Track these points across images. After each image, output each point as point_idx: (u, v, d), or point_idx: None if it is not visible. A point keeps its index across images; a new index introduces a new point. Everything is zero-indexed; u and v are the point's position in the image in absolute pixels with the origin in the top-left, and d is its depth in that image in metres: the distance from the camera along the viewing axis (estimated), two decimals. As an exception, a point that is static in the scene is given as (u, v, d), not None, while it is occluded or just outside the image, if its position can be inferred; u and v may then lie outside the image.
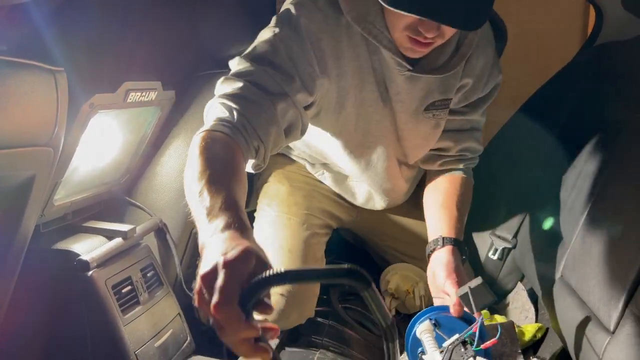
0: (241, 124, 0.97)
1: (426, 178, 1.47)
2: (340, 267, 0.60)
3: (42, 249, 1.17)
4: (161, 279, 1.34)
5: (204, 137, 0.91)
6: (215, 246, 0.65)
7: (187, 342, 1.33)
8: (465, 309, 1.04)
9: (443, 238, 1.22)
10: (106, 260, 1.19)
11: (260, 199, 1.56)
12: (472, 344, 0.93)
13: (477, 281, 1.04)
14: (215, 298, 0.58)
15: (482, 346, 0.92)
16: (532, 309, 1.44)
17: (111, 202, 1.40)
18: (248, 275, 0.61)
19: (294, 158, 1.58)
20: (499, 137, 1.81)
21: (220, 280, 0.59)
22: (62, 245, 1.18)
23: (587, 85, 1.54)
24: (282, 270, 0.58)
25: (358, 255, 1.84)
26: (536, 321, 1.40)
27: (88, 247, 1.19)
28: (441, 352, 0.91)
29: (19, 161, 0.87)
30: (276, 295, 1.33)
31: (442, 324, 1.04)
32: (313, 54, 1.11)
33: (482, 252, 1.68)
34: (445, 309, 1.09)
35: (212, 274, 0.60)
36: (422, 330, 1.02)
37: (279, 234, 1.43)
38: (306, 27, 1.10)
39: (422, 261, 1.62)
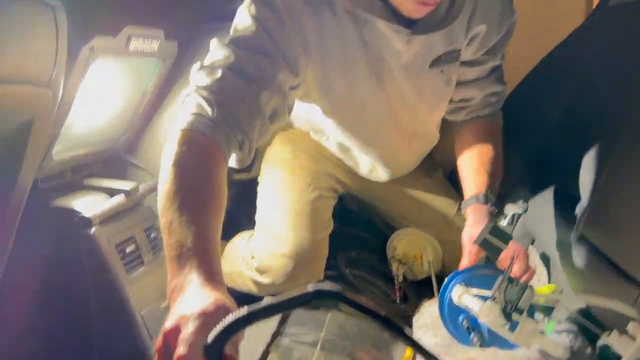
0: (222, 118, 0.88)
1: (455, 133, 1.41)
2: (306, 291, 0.53)
3: (41, 206, 1.11)
4: (165, 240, 1.28)
5: (180, 142, 0.82)
6: (186, 298, 0.59)
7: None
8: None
9: (471, 197, 1.19)
10: (109, 218, 1.14)
11: (264, 163, 1.51)
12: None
13: (490, 225, 1.02)
14: (179, 351, 0.52)
15: (522, 279, 0.89)
16: (545, 272, 1.41)
17: (111, 162, 1.34)
18: None
19: (296, 126, 1.53)
20: (507, 101, 1.77)
21: (185, 332, 0.53)
22: (63, 202, 1.13)
23: (601, 47, 1.50)
24: (246, 310, 0.51)
25: (363, 222, 1.81)
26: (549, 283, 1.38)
27: (89, 204, 1.13)
28: (493, 299, 0.87)
29: (17, 102, 0.82)
30: (284, 257, 1.29)
31: (472, 286, 1.00)
32: (294, 32, 1.01)
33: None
34: (466, 270, 1.05)
35: (178, 329, 0.55)
36: (459, 294, 0.98)
37: (284, 196, 1.38)
38: (284, 4, 0.99)
39: (430, 227, 1.59)
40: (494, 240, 1.01)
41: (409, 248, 1.59)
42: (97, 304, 1.11)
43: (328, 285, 0.53)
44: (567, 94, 1.52)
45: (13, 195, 0.95)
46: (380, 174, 1.48)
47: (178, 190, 0.73)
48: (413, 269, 1.60)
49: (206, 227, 0.70)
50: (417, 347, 0.60)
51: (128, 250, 1.15)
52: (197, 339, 0.52)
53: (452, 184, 1.68)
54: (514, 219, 1.71)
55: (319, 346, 1.12)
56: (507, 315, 0.87)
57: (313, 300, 0.54)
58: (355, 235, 1.78)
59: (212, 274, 0.64)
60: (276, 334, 1.14)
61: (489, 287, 0.95)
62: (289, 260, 1.26)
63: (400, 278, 1.58)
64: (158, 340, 0.56)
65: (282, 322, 1.19)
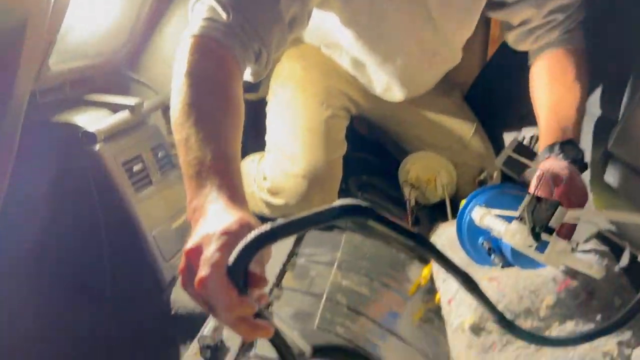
0: (238, 24, 0.80)
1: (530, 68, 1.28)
2: (336, 205, 0.51)
3: (41, 122, 1.04)
4: (173, 160, 1.23)
5: (192, 50, 0.75)
6: (208, 218, 0.55)
7: (203, 226, 1.26)
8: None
9: (542, 152, 1.01)
10: (114, 135, 1.08)
11: (273, 81, 1.43)
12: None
13: (513, 143, 0.95)
14: (201, 271, 0.49)
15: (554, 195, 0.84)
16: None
17: (112, 77, 1.26)
18: None
19: (307, 41, 1.44)
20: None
21: (208, 252, 0.50)
22: (64, 117, 1.06)
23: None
24: (269, 226, 0.48)
25: (373, 147, 1.76)
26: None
27: (92, 120, 1.07)
28: (520, 219, 0.82)
29: (9, 0, 0.73)
30: (297, 177, 1.24)
31: (493, 207, 0.95)
32: None
33: (508, 138, 1.60)
34: (488, 190, 0.99)
35: (200, 248, 0.51)
36: (481, 215, 0.92)
37: (296, 114, 1.32)
38: None
39: (446, 150, 1.54)
40: (519, 157, 0.94)
41: (423, 172, 1.55)
42: (107, 224, 1.07)
43: (358, 202, 0.50)
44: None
45: (10, 105, 0.89)
46: (395, 93, 1.41)
47: (194, 104, 0.67)
48: (426, 193, 1.57)
49: (226, 144, 0.65)
50: (448, 264, 0.58)
51: (135, 169, 1.10)
52: (219, 259, 0.49)
53: (470, 106, 1.62)
54: (533, 141, 1.65)
55: (335, 265, 1.09)
56: (536, 236, 0.82)
57: (342, 216, 0.51)
58: (366, 160, 1.73)
59: (234, 193, 0.59)
60: (292, 254, 1.11)
61: (513, 208, 0.90)
62: (302, 181, 1.21)
63: (413, 202, 1.55)
64: (181, 262, 0.53)
65: (298, 242, 1.16)
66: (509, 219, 0.87)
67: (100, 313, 1.13)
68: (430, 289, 1.13)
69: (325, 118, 1.31)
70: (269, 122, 1.37)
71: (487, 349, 0.86)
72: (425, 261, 1.20)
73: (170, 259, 1.13)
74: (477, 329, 0.89)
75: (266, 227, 0.47)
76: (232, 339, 0.79)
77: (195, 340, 0.78)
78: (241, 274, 0.48)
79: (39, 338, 1.15)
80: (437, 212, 1.51)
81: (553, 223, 0.80)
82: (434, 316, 1.07)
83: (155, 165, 1.16)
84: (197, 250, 0.51)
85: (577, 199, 0.88)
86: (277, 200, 1.27)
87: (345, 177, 1.48)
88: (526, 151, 0.96)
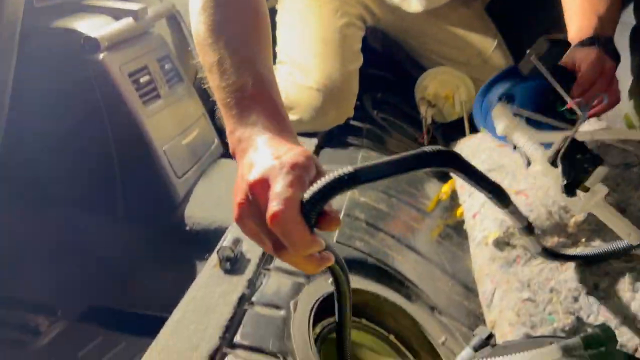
0: None
1: None
2: (428, 150, 0.47)
3: (40, 28, 0.98)
4: (180, 73, 1.17)
5: None
6: (260, 149, 0.50)
7: (214, 144, 1.22)
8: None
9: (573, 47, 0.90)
10: (117, 43, 1.01)
11: (283, -11, 1.33)
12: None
13: (542, 42, 0.84)
14: (274, 206, 0.44)
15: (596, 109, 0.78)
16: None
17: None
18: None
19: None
20: None
21: (278, 186, 0.45)
22: (64, 23, 0.99)
23: None
24: (352, 168, 0.44)
25: (388, 63, 1.68)
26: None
27: (94, 26, 1.00)
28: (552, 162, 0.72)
29: None
30: (312, 90, 1.18)
31: (516, 102, 0.87)
32: None
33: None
34: (511, 77, 0.89)
35: (266, 181, 0.46)
36: (505, 125, 0.84)
37: (309, 24, 1.24)
38: None
39: (465, 65, 1.47)
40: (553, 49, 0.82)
41: (440, 88, 1.48)
42: (116, 139, 1.03)
43: (444, 149, 0.48)
44: None
45: (5, 8, 0.82)
46: (414, 3, 1.32)
47: (223, 22, 0.59)
48: (443, 110, 1.51)
49: (264, 66, 0.58)
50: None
51: (142, 80, 1.04)
52: (293, 194, 0.44)
53: (491, 17, 1.52)
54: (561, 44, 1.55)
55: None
56: (568, 188, 0.74)
57: (429, 160, 0.47)
58: (381, 77, 1.66)
59: (281, 121, 0.54)
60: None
61: (538, 106, 0.83)
62: (317, 94, 1.15)
63: (429, 120, 1.50)
64: (239, 194, 0.48)
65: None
66: (547, 147, 0.77)
67: (113, 231, 1.12)
68: (450, 206, 1.11)
69: (340, 27, 1.23)
70: (280, 33, 1.29)
71: (511, 263, 0.85)
72: (444, 178, 1.17)
73: (182, 175, 1.10)
74: (501, 243, 0.87)
75: (349, 169, 0.44)
76: (252, 251, 0.78)
77: (215, 252, 0.76)
78: (317, 212, 0.44)
79: (52, 256, 1.15)
80: (453, 131, 1.47)
81: (591, 183, 0.72)
82: (453, 232, 1.05)
83: (162, 78, 1.10)
84: (262, 183, 0.46)
85: (615, 99, 0.83)
86: (291, 116, 1.21)
87: (360, 95, 1.42)
88: (558, 48, 0.85)
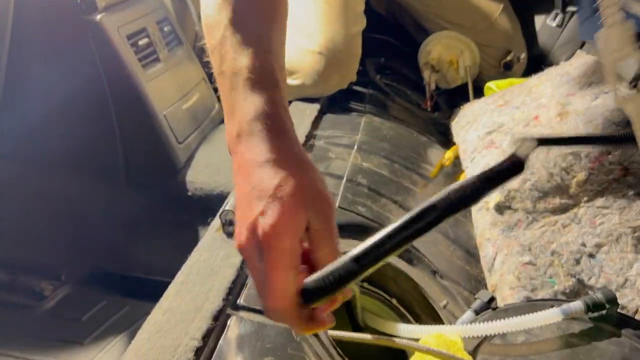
0: None
1: None
2: (509, 160, 0.38)
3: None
4: (180, 37, 1.15)
5: None
6: (256, 175, 0.40)
7: (215, 109, 1.21)
8: None
9: None
10: (115, 4, 0.99)
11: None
12: None
13: None
14: (267, 302, 0.39)
15: None
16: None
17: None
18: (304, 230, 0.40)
19: None
20: None
21: (268, 280, 0.38)
22: (58, -18, 0.96)
23: None
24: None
25: (392, 28, 1.64)
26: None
27: (90, -14, 0.97)
28: None
29: None
30: (314, 54, 1.16)
31: None
32: None
33: (539, 19, 1.48)
34: None
35: (253, 249, 0.39)
36: None
37: (311, -15, 1.20)
38: None
39: (470, 29, 1.44)
40: None
41: (445, 52, 1.46)
42: (116, 103, 1.02)
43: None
44: None
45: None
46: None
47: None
48: (447, 76, 1.49)
49: (272, 49, 0.48)
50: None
51: (141, 43, 1.02)
52: (284, 288, 0.38)
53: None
54: (565, 19, 1.53)
55: (355, 147, 1.05)
56: None
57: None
58: (384, 41, 1.63)
59: (282, 122, 0.44)
60: (310, 135, 1.07)
61: None
62: (319, 57, 1.13)
63: (433, 86, 1.48)
64: (244, 232, 0.40)
65: (316, 124, 1.12)
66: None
67: (116, 196, 1.12)
68: (452, 172, 1.10)
69: (343, -13, 1.20)
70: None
71: (512, 227, 0.85)
72: (448, 144, 1.16)
73: (183, 140, 1.09)
74: (502, 208, 0.87)
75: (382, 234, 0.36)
76: (254, 215, 0.77)
77: (217, 215, 0.76)
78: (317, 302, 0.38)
79: (56, 221, 1.16)
80: (457, 96, 1.45)
81: None
82: (456, 198, 1.05)
83: (161, 41, 1.08)
84: (250, 251, 0.39)
85: None
86: (292, 81, 1.20)
87: (362, 60, 1.40)
88: None
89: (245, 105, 0.44)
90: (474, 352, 0.60)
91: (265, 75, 0.45)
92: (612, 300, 0.59)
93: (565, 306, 0.57)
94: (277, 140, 0.42)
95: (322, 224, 0.40)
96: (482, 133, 0.98)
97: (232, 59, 0.46)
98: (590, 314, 0.59)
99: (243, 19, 0.48)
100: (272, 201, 0.39)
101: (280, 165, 0.41)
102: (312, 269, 0.40)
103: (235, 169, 0.43)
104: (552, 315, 0.55)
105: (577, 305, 0.57)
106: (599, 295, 0.59)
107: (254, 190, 0.40)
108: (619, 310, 0.62)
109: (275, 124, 0.43)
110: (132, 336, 0.57)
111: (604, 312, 0.59)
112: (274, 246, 0.38)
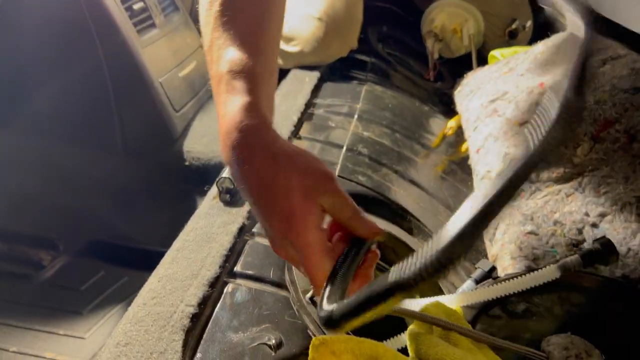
0: None
1: None
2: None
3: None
4: (176, 2, 1.11)
5: None
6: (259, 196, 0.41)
7: (213, 78, 1.18)
8: None
9: None
10: (107, -34, 0.95)
11: None
12: None
13: None
14: (313, 284, 0.42)
15: None
16: None
17: None
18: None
19: None
20: None
21: (308, 269, 0.41)
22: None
23: None
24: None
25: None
26: None
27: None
28: None
29: None
30: (313, 19, 1.13)
31: None
32: None
33: (546, -15, 1.43)
34: None
35: (288, 251, 0.43)
36: None
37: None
38: None
39: (474, -5, 1.40)
40: None
41: (448, 20, 1.42)
42: (110, 70, 1.00)
43: None
44: None
45: None
46: None
47: None
48: (450, 45, 1.45)
49: (264, 44, 0.47)
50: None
51: (136, 7, 0.99)
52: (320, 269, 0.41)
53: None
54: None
55: (355, 116, 1.03)
56: None
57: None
58: (386, 9, 1.58)
59: (264, 128, 0.43)
60: (310, 104, 1.05)
61: None
62: (319, 23, 1.10)
63: (436, 55, 1.44)
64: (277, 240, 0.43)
65: (315, 92, 1.09)
66: None
67: (113, 165, 1.11)
68: (455, 142, 1.08)
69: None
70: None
71: (515, 197, 0.83)
72: (450, 113, 1.14)
73: (180, 109, 1.07)
74: (505, 177, 0.85)
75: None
76: (251, 183, 0.76)
77: (214, 184, 0.74)
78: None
79: (53, 191, 1.14)
80: (460, 66, 1.42)
81: None
82: (457, 168, 1.04)
83: (157, 6, 1.05)
84: (284, 249, 0.43)
85: None
86: (292, 48, 1.17)
87: (364, 28, 1.36)
88: None
89: (226, 113, 0.43)
90: (473, 322, 0.59)
91: (243, 79, 0.44)
92: (611, 250, 0.58)
93: (562, 262, 0.56)
94: (260, 146, 0.42)
95: (333, 199, 0.42)
96: (485, 101, 0.96)
97: (222, 57, 0.45)
98: (590, 268, 0.57)
99: (230, 18, 0.46)
100: (288, 208, 0.41)
101: (273, 167, 0.41)
102: (344, 230, 0.44)
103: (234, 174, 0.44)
104: (549, 272, 0.54)
105: (574, 259, 0.56)
106: (597, 247, 0.57)
107: (267, 201, 0.41)
108: (621, 279, 0.62)
109: (252, 132, 0.42)
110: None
111: (604, 264, 0.57)
112: (301, 245, 0.40)
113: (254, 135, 0.42)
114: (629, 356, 0.52)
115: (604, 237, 0.57)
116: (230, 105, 0.43)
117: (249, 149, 0.42)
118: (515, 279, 0.53)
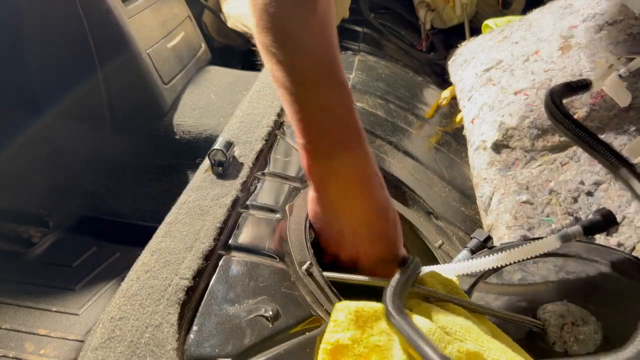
0: None
1: None
2: None
3: None
4: (161, -31, 1.08)
5: None
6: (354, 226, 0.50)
7: (202, 49, 1.15)
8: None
9: None
10: None
11: None
12: None
13: None
14: None
15: None
16: None
17: None
18: None
19: None
20: None
21: None
22: None
23: None
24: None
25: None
26: None
27: None
28: None
29: None
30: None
31: None
32: None
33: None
34: None
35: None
36: None
37: None
38: None
39: (467, -37, 1.37)
40: None
41: (441, -11, 1.40)
42: (96, 40, 0.96)
43: None
44: None
45: None
46: None
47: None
48: (442, 15, 1.43)
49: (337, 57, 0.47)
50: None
51: (120, -25, 0.95)
52: None
53: None
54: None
55: (349, 86, 1.01)
56: None
57: None
58: (377, -22, 1.55)
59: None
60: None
61: None
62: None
63: (428, 26, 1.42)
64: None
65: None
66: None
67: (102, 140, 1.08)
68: (449, 113, 1.07)
69: None
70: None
71: (510, 166, 0.83)
72: (444, 85, 1.12)
73: (169, 81, 1.04)
74: (499, 147, 0.85)
75: None
76: (244, 155, 0.74)
77: (207, 156, 0.73)
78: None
79: (41, 167, 1.12)
80: (452, 36, 1.40)
81: None
82: (452, 139, 1.03)
83: (142, -26, 1.01)
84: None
85: None
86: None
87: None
88: None
89: (337, 153, 0.48)
90: (469, 291, 0.59)
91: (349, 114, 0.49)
92: (611, 221, 0.58)
93: (562, 232, 0.55)
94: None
95: None
96: (479, 70, 0.95)
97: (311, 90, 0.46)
98: (590, 237, 0.57)
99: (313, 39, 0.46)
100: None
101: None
102: None
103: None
104: (550, 242, 0.54)
105: (575, 229, 0.56)
106: (597, 217, 0.57)
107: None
108: (617, 247, 0.62)
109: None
110: (123, 281, 0.55)
111: (604, 233, 0.57)
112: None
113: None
114: (624, 323, 0.53)
115: (604, 208, 0.57)
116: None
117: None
118: (516, 248, 0.52)
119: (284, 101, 0.49)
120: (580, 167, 0.79)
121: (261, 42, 0.47)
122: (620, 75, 0.69)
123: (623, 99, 0.70)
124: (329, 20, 0.48)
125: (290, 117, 0.49)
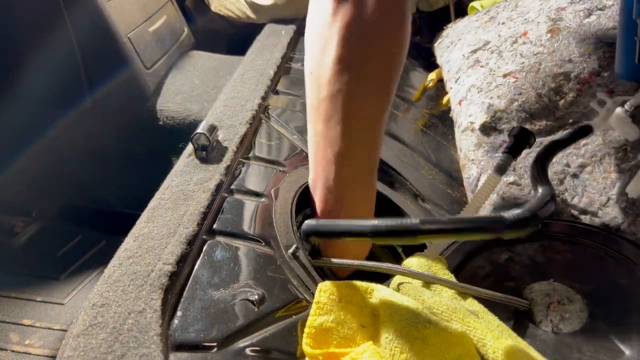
0: None
1: None
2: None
3: None
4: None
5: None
6: None
7: (184, 33, 1.13)
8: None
9: None
10: None
11: None
12: None
13: None
14: None
15: None
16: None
17: None
18: None
19: None
20: None
21: None
22: None
23: None
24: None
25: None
26: None
27: None
28: None
29: None
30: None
31: None
32: None
33: None
34: None
35: None
36: None
37: None
38: None
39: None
40: None
41: (427, -29, 1.38)
42: (74, 24, 0.94)
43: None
44: None
45: None
46: None
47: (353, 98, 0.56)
48: (429, -3, 1.42)
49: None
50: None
51: (97, -44, 0.93)
52: None
53: None
54: None
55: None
56: None
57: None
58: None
59: None
60: (287, 57, 1.01)
61: None
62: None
63: (414, 9, 1.41)
64: None
65: (293, 46, 1.05)
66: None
67: (83, 127, 1.06)
68: (435, 95, 1.07)
69: None
70: None
71: (497, 148, 0.83)
72: (430, 67, 1.12)
73: (151, 66, 1.02)
74: (487, 129, 0.84)
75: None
76: (229, 140, 0.73)
77: (190, 140, 0.71)
78: None
79: (21, 156, 1.10)
80: (439, 19, 1.38)
81: None
82: (438, 122, 1.02)
83: (120, -44, 0.98)
84: None
85: None
86: (264, 1, 1.12)
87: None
88: None
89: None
90: (456, 271, 0.59)
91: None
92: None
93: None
94: None
95: None
96: (466, 52, 0.94)
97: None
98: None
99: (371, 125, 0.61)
100: None
101: None
102: None
103: None
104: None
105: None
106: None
107: None
108: (601, 226, 0.62)
109: None
110: (109, 270, 0.54)
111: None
112: None
113: None
114: (609, 301, 0.53)
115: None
116: None
117: None
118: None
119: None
120: (566, 150, 0.79)
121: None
122: (626, 110, 0.69)
123: (632, 133, 0.70)
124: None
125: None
